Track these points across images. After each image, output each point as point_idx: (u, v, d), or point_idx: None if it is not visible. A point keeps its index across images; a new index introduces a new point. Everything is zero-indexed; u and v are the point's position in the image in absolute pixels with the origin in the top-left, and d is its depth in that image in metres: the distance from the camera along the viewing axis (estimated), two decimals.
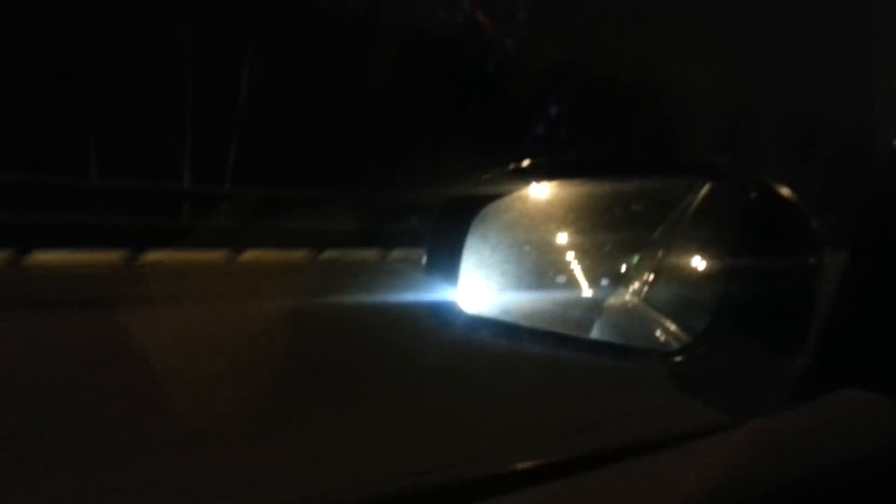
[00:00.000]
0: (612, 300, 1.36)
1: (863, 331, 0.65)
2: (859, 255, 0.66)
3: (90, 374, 3.80)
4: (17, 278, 8.01)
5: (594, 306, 1.30)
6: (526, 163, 0.80)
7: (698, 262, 1.10)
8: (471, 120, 21.08)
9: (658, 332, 1.14)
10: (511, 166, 0.79)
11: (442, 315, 0.87)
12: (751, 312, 0.72)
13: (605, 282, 1.34)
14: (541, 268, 1.25)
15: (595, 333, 1.22)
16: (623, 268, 1.37)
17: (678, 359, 0.81)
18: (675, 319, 1.06)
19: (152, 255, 9.43)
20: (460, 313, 0.88)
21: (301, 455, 2.80)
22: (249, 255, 10.47)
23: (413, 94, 20.75)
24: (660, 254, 1.32)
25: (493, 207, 0.86)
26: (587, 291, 1.29)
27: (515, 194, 0.89)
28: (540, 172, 0.84)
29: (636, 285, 1.39)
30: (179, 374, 3.85)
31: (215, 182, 16.47)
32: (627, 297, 1.38)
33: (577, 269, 1.28)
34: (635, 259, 1.36)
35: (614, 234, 1.23)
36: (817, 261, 0.69)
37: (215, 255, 10.14)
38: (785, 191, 0.69)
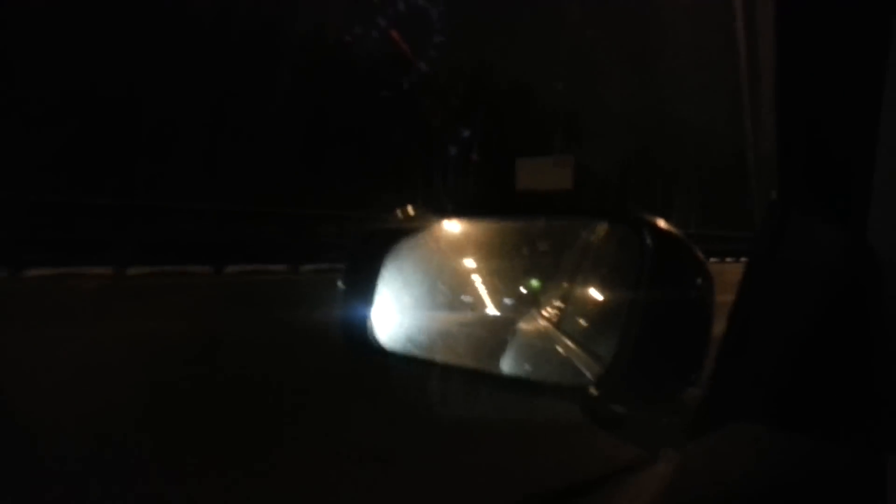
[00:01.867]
0: (524, 324, 1.39)
1: (752, 358, 0.69)
2: (747, 280, 0.70)
3: None
4: None
5: (508, 326, 1.33)
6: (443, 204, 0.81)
7: (602, 295, 1.14)
8: (383, 138, 21.24)
9: (568, 360, 1.17)
10: (420, 207, 0.81)
11: (354, 342, 0.88)
12: (651, 345, 0.75)
13: (511, 302, 1.38)
14: (454, 294, 1.28)
15: (509, 357, 1.25)
16: (525, 291, 1.42)
17: (591, 391, 0.83)
18: (583, 348, 1.09)
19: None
20: (373, 342, 0.89)
21: None
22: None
23: (325, 110, 20.73)
24: (565, 284, 1.37)
25: (407, 242, 0.87)
26: (499, 312, 1.32)
27: (428, 230, 0.90)
28: (452, 210, 0.86)
29: (547, 311, 1.42)
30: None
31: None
32: (540, 321, 1.41)
33: (487, 293, 1.30)
34: (535, 283, 1.40)
35: (522, 264, 1.27)
36: (707, 290, 0.73)
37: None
38: (670, 227, 0.74)
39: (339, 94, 20.52)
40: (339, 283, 0.87)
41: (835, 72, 0.67)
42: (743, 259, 0.72)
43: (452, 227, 0.97)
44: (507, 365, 1.28)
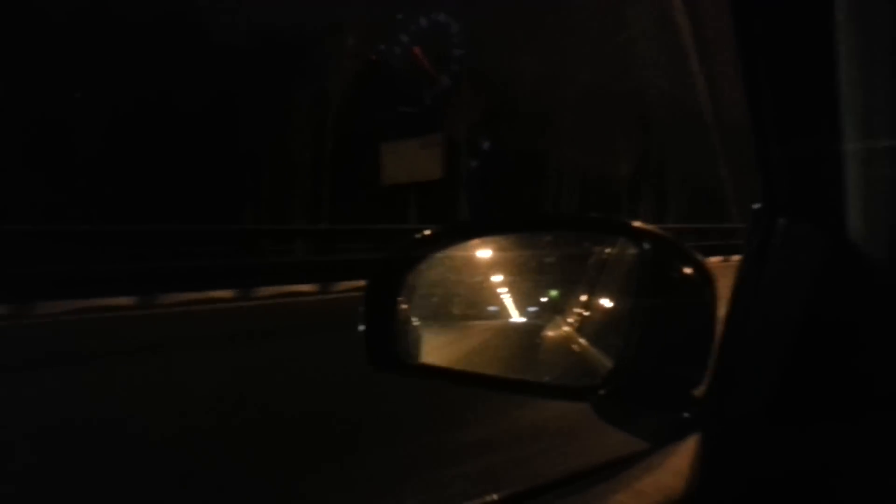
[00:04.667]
0: (550, 331, 1.45)
1: (748, 356, 0.74)
2: (739, 284, 0.74)
3: None
4: None
5: (536, 332, 1.39)
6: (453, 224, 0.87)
7: (615, 301, 1.20)
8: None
9: (585, 362, 1.23)
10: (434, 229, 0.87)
11: (377, 358, 0.92)
12: (654, 346, 0.80)
13: (535, 310, 1.44)
14: (479, 305, 1.34)
15: (531, 362, 1.31)
16: (546, 300, 1.47)
17: (600, 392, 0.88)
18: (601, 350, 1.14)
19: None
20: (396, 356, 0.94)
21: None
22: None
23: (351, 125, 20.95)
24: (586, 292, 1.42)
25: (427, 258, 0.92)
26: (525, 319, 1.38)
27: (444, 251, 0.96)
28: (467, 230, 0.92)
29: (570, 317, 1.48)
30: None
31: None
32: (563, 327, 1.47)
33: (512, 303, 1.36)
34: (554, 293, 1.46)
35: (541, 276, 1.32)
36: (707, 291, 0.78)
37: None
38: (665, 233, 0.79)
39: (364, 108, 20.75)
40: (361, 308, 0.90)
41: (800, 73, 0.71)
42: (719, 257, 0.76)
43: (470, 242, 1.02)
44: (528, 369, 1.34)
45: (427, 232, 0.88)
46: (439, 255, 0.96)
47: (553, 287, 1.38)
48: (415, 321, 1.05)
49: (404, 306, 0.93)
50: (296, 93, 20.16)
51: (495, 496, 0.97)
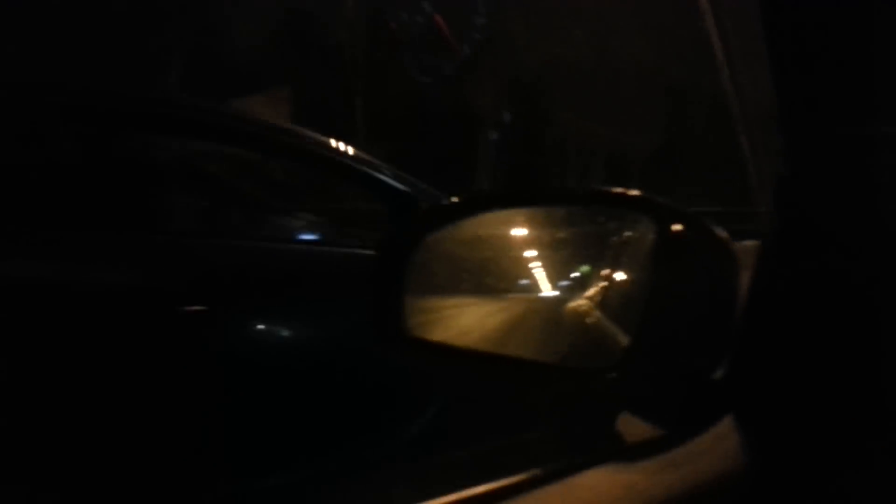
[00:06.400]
0: (572, 304, 1.44)
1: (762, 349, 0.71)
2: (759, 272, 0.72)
3: None
4: None
5: (560, 305, 1.37)
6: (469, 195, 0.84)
7: (637, 279, 1.17)
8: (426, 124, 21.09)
9: (604, 341, 1.21)
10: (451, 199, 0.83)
11: (387, 332, 0.90)
12: (673, 329, 0.78)
13: (566, 283, 1.42)
14: (507, 279, 1.32)
15: (546, 340, 1.29)
16: (577, 274, 1.45)
17: (612, 375, 0.86)
18: (622, 329, 1.12)
19: None
20: (408, 331, 0.92)
21: None
22: None
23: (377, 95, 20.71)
24: (607, 271, 1.40)
25: (435, 236, 0.89)
26: (549, 291, 1.36)
27: (458, 223, 0.93)
28: (485, 201, 0.89)
29: (591, 292, 1.46)
30: None
31: None
32: (583, 301, 1.45)
33: (543, 277, 1.35)
34: (586, 268, 1.44)
35: (569, 250, 1.30)
36: (729, 272, 0.75)
37: None
38: (686, 210, 0.76)
39: (386, 78, 20.47)
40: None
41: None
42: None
43: (495, 214, 0.99)
44: (545, 346, 1.33)
45: (446, 202, 0.86)
46: (464, 225, 0.93)
47: (585, 262, 1.36)
48: (431, 296, 1.02)
49: (421, 279, 0.90)
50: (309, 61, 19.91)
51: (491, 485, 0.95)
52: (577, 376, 0.98)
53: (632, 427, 0.86)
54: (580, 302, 1.48)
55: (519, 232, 1.12)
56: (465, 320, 1.22)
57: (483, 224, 1.08)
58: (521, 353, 1.21)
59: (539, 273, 1.35)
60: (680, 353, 0.79)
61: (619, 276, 1.32)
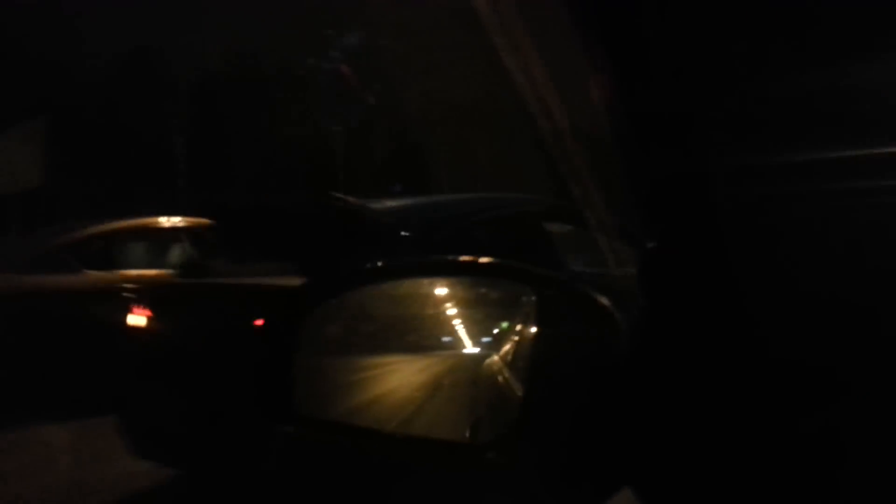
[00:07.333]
0: (488, 361, 1.39)
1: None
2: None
3: None
4: None
5: (478, 362, 1.31)
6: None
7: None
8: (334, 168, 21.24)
9: (511, 405, 1.14)
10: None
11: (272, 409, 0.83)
12: (556, 400, 0.72)
13: (487, 340, 1.38)
14: (424, 336, 1.26)
15: (474, 396, 1.24)
16: (497, 331, 1.41)
17: (489, 455, 0.81)
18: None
19: None
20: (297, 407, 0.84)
21: None
22: None
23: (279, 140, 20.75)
24: (520, 326, 1.36)
25: (325, 308, 0.84)
26: (472, 348, 1.31)
27: (349, 294, 0.88)
28: (361, 275, 0.85)
29: (503, 350, 1.42)
30: None
31: None
32: (496, 359, 1.40)
33: (459, 331, 1.30)
34: (505, 324, 1.40)
35: (487, 307, 1.27)
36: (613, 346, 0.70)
37: None
38: (565, 279, 0.72)
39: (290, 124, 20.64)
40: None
41: None
42: None
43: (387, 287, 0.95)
44: (467, 406, 1.26)
45: (325, 278, 0.80)
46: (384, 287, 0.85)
47: (504, 318, 1.31)
48: (356, 356, 0.95)
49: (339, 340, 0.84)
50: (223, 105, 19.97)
51: None
52: (445, 457, 0.91)
53: None
54: (494, 359, 1.42)
55: (443, 290, 1.08)
56: (392, 379, 1.16)
57: (404, 284, 1.03)
58: (448, 411, 1.14)
59: (462, 330, 1.29)
60: (564, 424, 0.73)
61: (530, 331, 1.27)
